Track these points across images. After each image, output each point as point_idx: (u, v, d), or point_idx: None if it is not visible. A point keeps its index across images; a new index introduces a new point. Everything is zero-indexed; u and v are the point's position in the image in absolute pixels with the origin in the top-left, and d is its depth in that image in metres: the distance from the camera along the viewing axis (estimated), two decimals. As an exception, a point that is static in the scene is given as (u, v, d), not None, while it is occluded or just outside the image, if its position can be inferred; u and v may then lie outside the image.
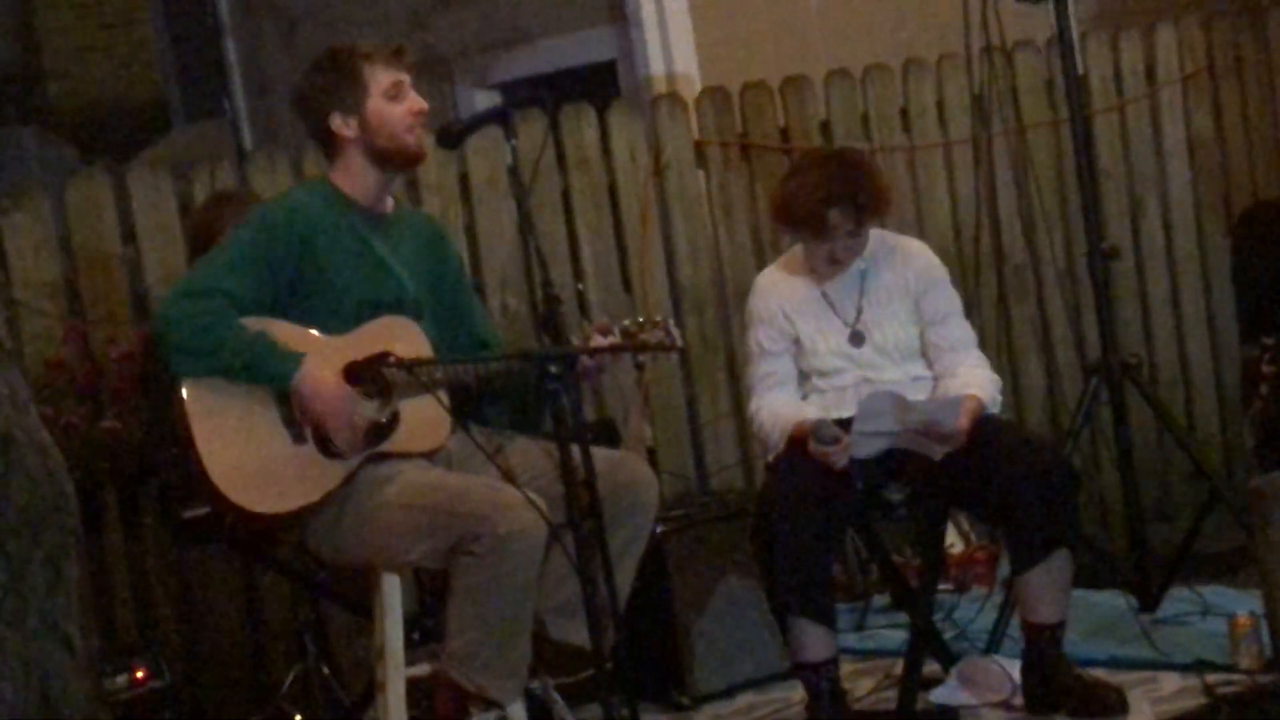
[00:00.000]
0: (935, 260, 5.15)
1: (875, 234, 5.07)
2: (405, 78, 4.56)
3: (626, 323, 4.58)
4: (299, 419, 4.36)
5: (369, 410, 4.40)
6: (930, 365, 5.05)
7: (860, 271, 5.04)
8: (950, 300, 5.10)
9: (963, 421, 4.78)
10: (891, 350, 5.00)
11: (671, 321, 4.61)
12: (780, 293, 5.06)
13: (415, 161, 4.66)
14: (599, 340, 4.49)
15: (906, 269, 5.06)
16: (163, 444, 4.43)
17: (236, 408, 4.33)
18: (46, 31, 11.21)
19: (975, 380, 4.96)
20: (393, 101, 4.53)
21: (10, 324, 5.26)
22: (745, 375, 5.22)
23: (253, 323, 4.37)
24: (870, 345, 5.00)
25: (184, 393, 4.31)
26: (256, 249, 4.43)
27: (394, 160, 4.57)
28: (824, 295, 5.04)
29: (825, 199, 4.91)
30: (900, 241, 5.18)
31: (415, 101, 4.55)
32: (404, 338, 4.48)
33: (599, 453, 4.44)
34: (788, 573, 4.72)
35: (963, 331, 5.09)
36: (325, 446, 4.38)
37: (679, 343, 4.60)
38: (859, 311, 5.02)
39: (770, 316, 5.05)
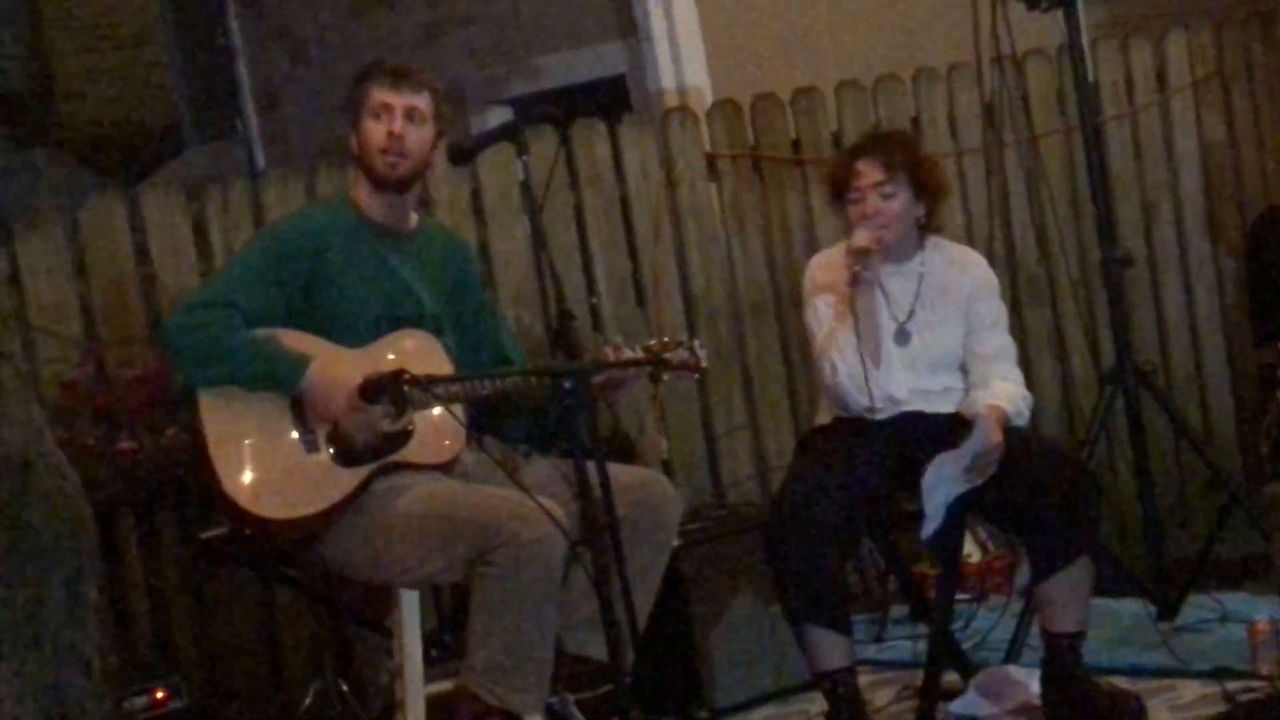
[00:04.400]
0: (989, 270, 5.17)
1: (935, 241, 5.08)
2: (399, 100, 4.56)
3: (651, 341, 4.59)
4: (313, 421, 4.38)
5: (384, 423, 4.41)
6: (966, 374, 5.02)
7: (919, 274, 5.03)
8: (998, 311, 5.10)
9: (992, 436, 4.77)
10: (937, 356, 4.99)
11: (698, 342, 4.62)
12: (835, 274, 5.03)
13: (389, 186, 4.60)
14: (625, 355, 4.50)
15: (963, 276, 5.06)
16: (190, 464, 4.46)
17: (251, 416, 4.37)
18: (58, 53, 11.21)
19: (1002, 393, 4.94)
20: (375, 121, 4.56)
21: (25, 346, 5.27)
22: (813, 350, 5.07)
23: (264, 333, 4.40)
24: (915, 346, 4.99)
25: (200, 400, 4.36)
26: (265, 263, 4.48)
27: (374, 182, 4.59)
28: (880, 288, 5.01)
29: (855, 151, 5.01)
30: (959, 250, 5.20)
31: (392, 124, 4.54)
32: (421, 352, 4.50)
33: (624, 470, 4.46)
34: (800, 580, 4.70)
35: (1003, 343, 5.07)
36: (339, 454, 4.39)
37: (704, 362, 4.61)
38: (911, 312, 5.01)
39: (826, 286, 5.02)
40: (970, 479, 4.80)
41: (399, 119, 4.56)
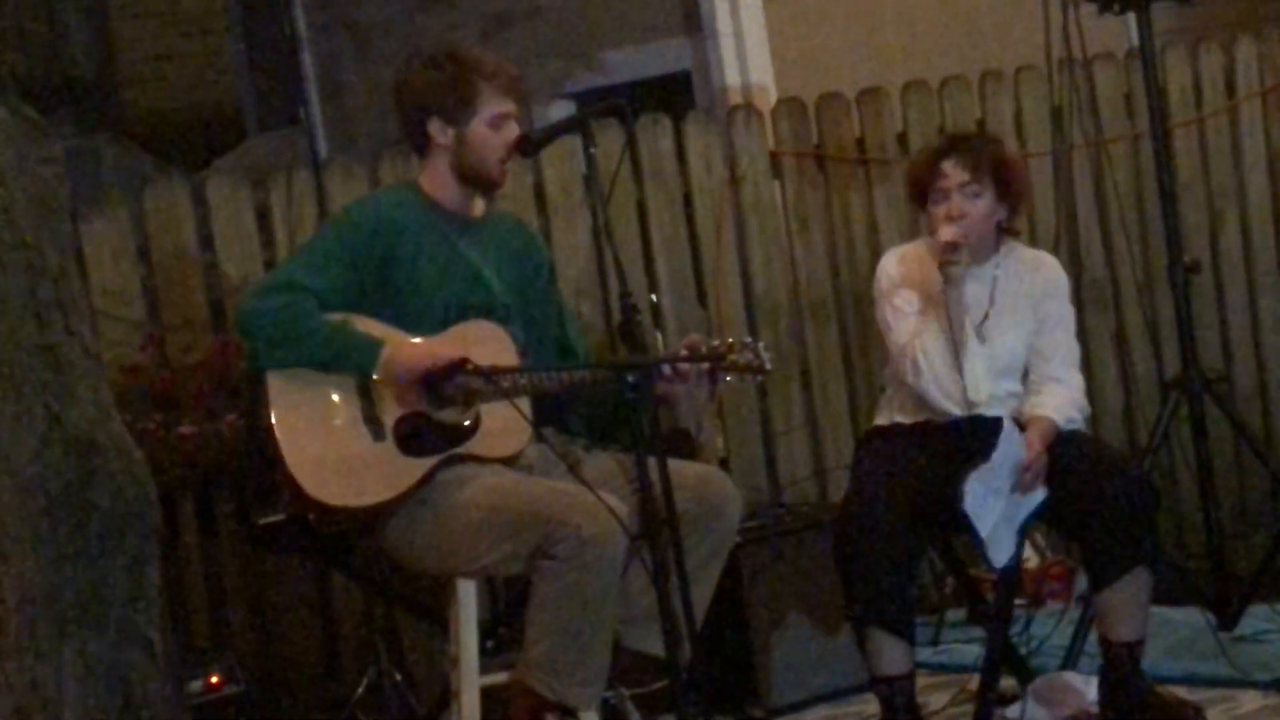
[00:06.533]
0: (1061, 272, 5.12)
1: (1010, 245, 5.05)
2: (513, 109, 4.57)
3: (715, 343, 4.57)
4: (381, 408, 4.37)
5: (449, 415, 4.41)
6: (1027, 373, 4.99)
7: (994, 277, 5.00)
8: (1065, 311, 5.06)
9: (1029, 448, 4.74)
10: (1005, 361, 4.95)
11: (761, 344, 4.60)
12: (913, 270, 5.00)
13: (493, 189, 4.68)
14: (684, 361, 4.49)
15: (1034, 276, 5.02)
16: (251, 450, 4.47)
17: (318, 402, 4.38)
18: (124, 40, 11.30)
19: (1049, 402, 4.91)
20: (495, 130, 4.55)
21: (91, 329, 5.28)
22: (890, 347, 5.01)
23: (338, 317, 4.42)
24: (987, 349, 4.95)
25: (268, 385, 4.36)
26: (340, 248, 4.48)
27: (475, 182, 4.59)
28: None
29: (940, 152, 4.97)
30: (1033, 254, 5.16)
31: (513, 134, 4.57)
32: (489, 342, 4.50)
33: (685, 466, 4.45)
34: (869, 583, 4.68)
35: (1068, 345, 5.03)
36: (405, 444, 4.39)
37: (768, 365, 4.59)
38: (986, 316, 4.98)
39: (906, 281, 4.98)
40: (1024, 493, 4.77)
41: (515, 126, 4.57)
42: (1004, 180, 4.95)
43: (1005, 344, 4.96)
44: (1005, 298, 4.99)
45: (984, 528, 4.75)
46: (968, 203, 4.90)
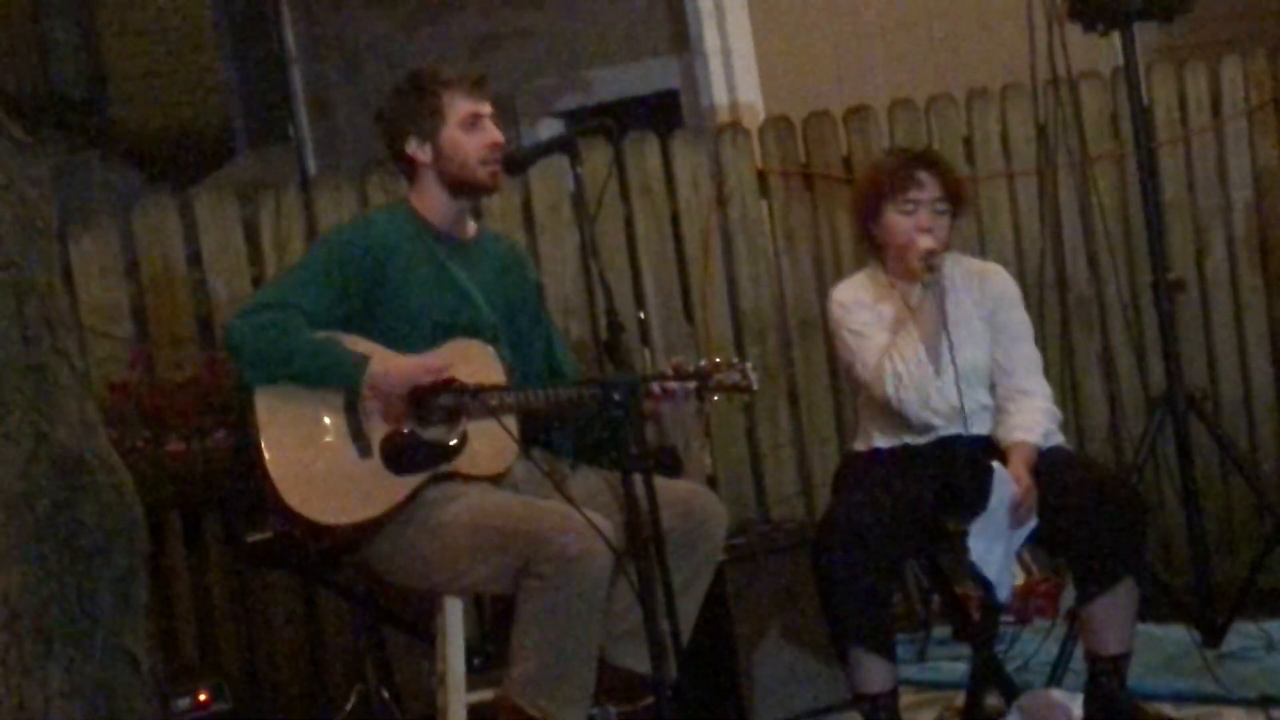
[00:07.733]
0: (1011, 281, 5.14)
1: (953, 257, 5.06)
2: (484, 109, 4.60)
3: (703, 362, 4.59)
4: (368, 425, 4.39)
5: (436, 433, 4.43)
6: (994, 387, 5.01)
7: (941, 290, 5.00)
8: (1021, 321, 5.08)
9: (1019, 482, 4.76)
10: (968, 373, 4.95)
11: (749, 364, 4.62)
12: (863, 298, 5.02)
13: (486, 193, 4.71)
14: (671, 380, 4.51)
15: (983, 288, 5.04)
16: (240, 467, 4.48)
17: (305, 419, 4.39)
18: (113, 57, 11.32)
19: (1023, 422, 4.91)
20: (468, 132, 4.57)
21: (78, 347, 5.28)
22: (855, 375, 5.02)
23: (323, 335, 4.42)
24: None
25: (255, 401, 4.37)
26: (329, 267, 4.50)
27: (465, 189, 4.61)
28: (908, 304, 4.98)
29: (917, 161, 4.98)
30: (978, 264, 5.19)
31: (491, 134, 4.59)
32: (476, 361, 4.51)
33: (672, 484, 4.46)
34: (848, 602, 4.70)
35: (1029, 354, 5.05)
36: (392, 462, 4.40)
37: (755, 385, 4.61)
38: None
39: (860, 305, 5.00)
40: (1020, 526, 4.79)
41: (493, 127, 4.59)
42: (961, 203, 5.01)
43: (966, 357, 4.95)
44: (957, 310, 4.98)
45: (991, 574, 4.78)
46: (938, 218, 4.92)
